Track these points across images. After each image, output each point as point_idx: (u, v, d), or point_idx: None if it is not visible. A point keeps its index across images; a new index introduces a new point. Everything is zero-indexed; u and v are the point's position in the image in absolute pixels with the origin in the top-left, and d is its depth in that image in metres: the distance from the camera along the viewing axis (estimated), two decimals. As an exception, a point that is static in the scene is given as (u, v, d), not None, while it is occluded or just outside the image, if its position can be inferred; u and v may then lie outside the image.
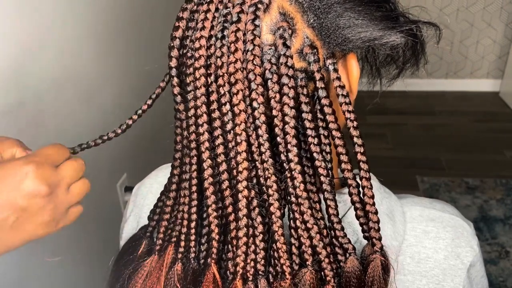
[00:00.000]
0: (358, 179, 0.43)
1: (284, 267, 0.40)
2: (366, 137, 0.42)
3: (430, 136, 2.97)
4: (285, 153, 0.40)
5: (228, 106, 0.39)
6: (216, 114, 0.40)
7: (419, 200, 0.53)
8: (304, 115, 0.41)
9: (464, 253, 0.49)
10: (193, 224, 0.44)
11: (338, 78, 0.42)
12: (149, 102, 0.50)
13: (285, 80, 0.39)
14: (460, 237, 0.50)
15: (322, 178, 0.41)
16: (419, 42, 0.45)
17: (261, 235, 0.41)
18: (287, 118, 0.39)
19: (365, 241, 0.43)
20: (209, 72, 0.40)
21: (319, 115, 0.42)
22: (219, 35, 0.39)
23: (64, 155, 0.46)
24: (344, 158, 0.42)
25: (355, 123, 0.42)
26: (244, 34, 0.39)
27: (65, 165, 0.45)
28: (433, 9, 3.24)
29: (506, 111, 3.22)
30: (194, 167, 0.43)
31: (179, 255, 0.45)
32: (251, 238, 0.40)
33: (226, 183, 0.41)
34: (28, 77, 0.90)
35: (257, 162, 0.40)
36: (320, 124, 0.42)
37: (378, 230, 0.42)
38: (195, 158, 0.43)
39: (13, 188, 0.40)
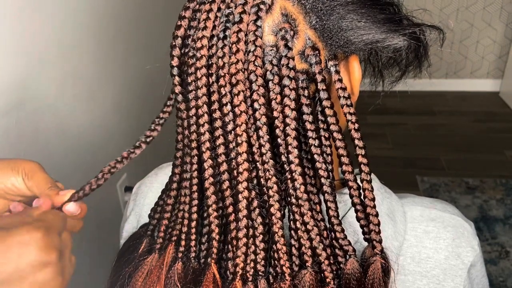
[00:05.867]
0: (359, 181, 0.43)
1: (284, 268, 0.40)
2: (366, 137, 0.42)
3: (430, 136, 2.97)
4: (285, 155, 0.40)
5: (229, 107, 0.39)
6: (217, 114, 0.40)
7: (420, 200, 0.53)
8: (305, 116, 0.41)
9: (464, 253, 0.49)
10: (193, 224, 0.44)
11: (340, 80, 0.42)
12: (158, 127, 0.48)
13: (286, 81, 0.39)
14: (461, 237, 0.50)
15: (323, 180, 0.41)
16: (422, 45, 0.45)
17: (261, 236, 0.41)
18: (288, 120, 0.39)
19: (366, 242, 0.43)
20: (210, 72, 0.40)
21: (320, 117, 0.42)
22: (221, 35, 0.39)
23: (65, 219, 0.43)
24: (345, 160, 0.42)
25: (356, 125, 0.42)
26: (246, 35, 0.39)
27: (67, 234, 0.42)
28: (433, 9, 3.25)
29: (506, 111, 3.23)
30: (195, 166, 0.43)
31: (180, 254, 0.45)
32: (251, 239, 0.40)
33: (227, 184, 0.41)
34: (28, 77, 0.90)
35: (257, 163, 0.40)
36: (321, 125, 0.42)
37: (379, 232, 0.42)
38: (196, 157, 0.43)
39: (19, 260, 0.36)
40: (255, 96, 0.39)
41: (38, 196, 0.45)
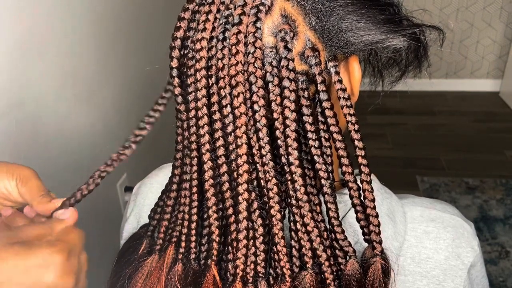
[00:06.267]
0: (358, 182, 0.43)
1: (284, 269, 0.40)
2: (366, 137, 0.42)
3: (430, 136, 2.97)
4: (285, 156, 0.40)
5: (229, 108, 0.39)
6: (217, 116, 0.40)
7: (420, 200, 0.53)
8: (305, 118, 0.41)
9: (464, 254, 0.49)
10: (193, 225, 0.44)
11: (340, 81, 0.42)
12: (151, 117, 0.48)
13: (286, 83, 0.39)
14: (461, 238, 0.50)
15: (323, 181, 0.41)
16: (422, 46, 0.45)
17: (262, 237, 0.40)
18: (288, 121, 0.39)
19: (366, 243, 0.43)
20: (210, 73, 0.40)
21: (320, 118, 0.42)
22: (220, 37, 0.39)
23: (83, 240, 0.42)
24: (345, 161, 0.42)
25: (356, 126, 0.42)
26: (246, 36, 0.38)
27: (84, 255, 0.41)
28: (433, 9, 3.25)
29: (506, 111, 3.23)
30: (194, 168, 0.43)
31: (180, 256, 0.45)
32: (251, 241, 0.40)
33: (227, 185, 0.41)
34: (28, 77, 0.90)
35: (257, 165, 0.40)
36: (321, 127, 0.42)
37: (379, 233, 0.42)
38: (195, 159, 0.43)
39: (36, 282, 0.36)
40: (255, 98, 0.39)
41: (29, 204, 0.44)
